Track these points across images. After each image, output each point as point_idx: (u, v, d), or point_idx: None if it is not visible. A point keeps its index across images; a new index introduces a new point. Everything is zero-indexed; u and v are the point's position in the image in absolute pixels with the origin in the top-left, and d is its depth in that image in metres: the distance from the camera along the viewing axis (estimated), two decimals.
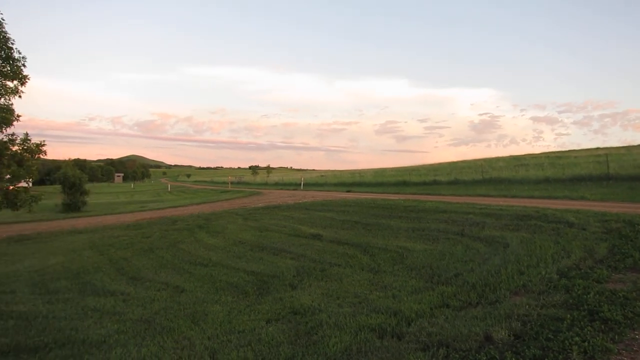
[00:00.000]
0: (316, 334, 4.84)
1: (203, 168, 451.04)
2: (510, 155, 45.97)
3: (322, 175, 64.27)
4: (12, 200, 12.44)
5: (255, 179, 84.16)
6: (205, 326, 5.73)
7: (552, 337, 3.88)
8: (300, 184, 46.44)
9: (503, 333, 4.08)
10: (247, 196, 35.10)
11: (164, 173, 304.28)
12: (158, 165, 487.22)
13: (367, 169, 71.41)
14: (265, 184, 61.50)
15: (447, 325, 4.54)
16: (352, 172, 63.35)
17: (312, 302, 6.20)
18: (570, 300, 4.82)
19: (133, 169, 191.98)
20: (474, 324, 4.43)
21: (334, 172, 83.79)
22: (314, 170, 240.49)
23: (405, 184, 33.01)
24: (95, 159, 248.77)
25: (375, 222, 12.88)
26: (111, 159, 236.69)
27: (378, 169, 67.47)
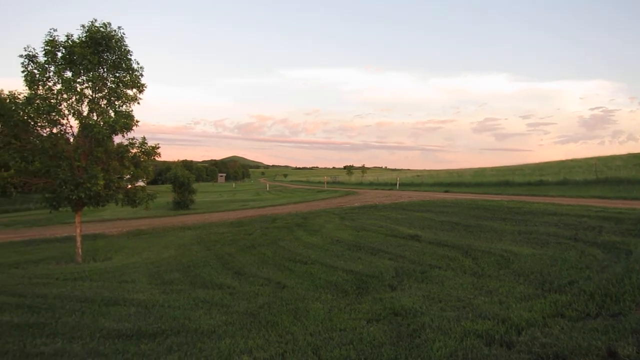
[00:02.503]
0: (419, 336, 4.73)
1: (299, 168, 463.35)
2: (629, 153, 41.56)
3: (418, 175, 63.05)
4: (131, 198, 13.69)
5: (350, 178, 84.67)
6: (307, 322, 5.86)
7: None
8: (395, 184, 45.94)
9: (630, 349, 3.69)
10: (342, 196, 35.41)
11: (263, 173, 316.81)
12: (257, 165, 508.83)
13: (466, 169, 68.79)
14: (360, 184, 61.60)
15: (562, 336, 4.22)
16: (450, 172, 61.41)
17: (413, 304, 6.09)
18: None
19: (234, 169, 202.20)
20: (595, 337, 4.06)
21: (430, 172, 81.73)
22: (409, 170, 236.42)
23: (507, 184, 31.28)
24: (200, 160, 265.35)
25: (476, 224, 12.36)
26: (214, 160, 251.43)
27: (477, 168, 64.74)
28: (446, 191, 31.26)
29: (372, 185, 56.26)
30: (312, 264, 9.90)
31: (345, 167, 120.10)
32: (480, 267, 8.19)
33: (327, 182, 74.19)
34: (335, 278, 8.46)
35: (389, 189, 41.18)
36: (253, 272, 9.72)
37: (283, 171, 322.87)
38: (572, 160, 45.31)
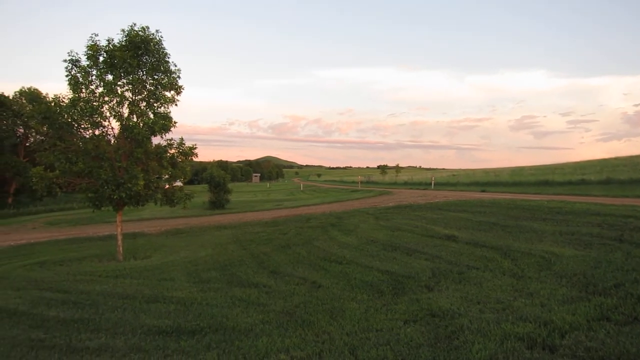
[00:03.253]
0: (457, 338, 4.66)
1: (332, 168, 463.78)
2: None
3: (454, 175, 62.05)
4: (170, 198, 14.01)
5: (384, 178, 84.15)
6: (343, 322, 5.85)
7: None
8: (430, 184, 45.38)
9: None
10: (376, 195, 35.22)
11: (296, 173, 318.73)
12: (291, 165, 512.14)
13: (503, 168, 67.28)
14: (394, 184, 61.10)
15: (609, 340, 4.07)
16: (486, 171, 60.19)
17: (451, 305, 5.99)
18: None
19: (268, 169, 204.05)
20: None
21: (465, 171, 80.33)
22: (443, 169, 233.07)
23: (547, 183, 30.39)
24: (235, 160, 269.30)
25: (515, 224, 12.06)
26: (249, 160, 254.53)
27: (515, 167, 63.21)
28: (483, 191, 30.65)
29: (406, 184, 55.73)
30: (347, 264, 9.88)
31: (378, 167, 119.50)
32: (519, 268, 7.99)
33: (361, 182, 73.94)
34: (370, 278, 8.42)
35: (424, 189, 40.69)
36: (288, 272, 9.78)
37: (316, 171, 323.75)
38: (615, 159, 43.66)
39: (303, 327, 5.78)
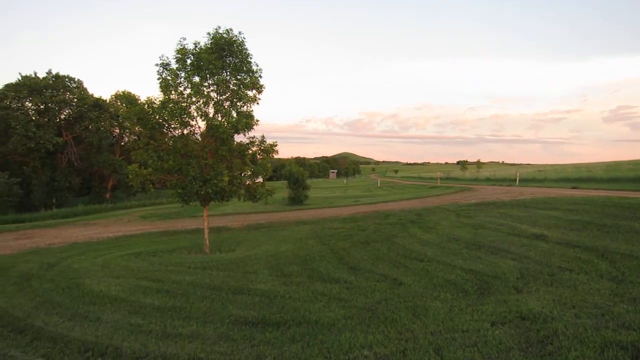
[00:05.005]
0: (551, 344, 4.41)
1: (410, 164, 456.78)
2: None
3: (540, 170, 58.66)
4: (252, 194, 14.47)
5: (464, 174, 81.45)
6: (426, 321, 5.75)
7: None
8: (515, 180, 43.23)
9: None
10: (457, 192, 34.16)
11: (373, 169, 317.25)
12: (367, 161, 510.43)
13: (596, 163, 62.50)
14: (475, 180, 58.88)
15: None
16: (577, 167, 56.26)
17: (543, 308, 5.68)
18: None
19: (345, 166, 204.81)
20: None
21: (553, 167, 75.56)
22: (529, 164, 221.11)
23: None
24: (312, 156, 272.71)
25: (612, 224, 11.18)
26: (326, 157, 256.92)
27: (610, 162, 58.48)
28: (574, 187, 28.71)
29: (488, 181, 53.48)
30: (428, 262, 9.68)
31: (458, 163, 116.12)
32: (619, 271, 7.40)
33: (440, 178, 72.08)
34: (454, 277, 8.19)
35: (508, 185, 38.83)
36: (368, 268, 9.76)
37: (393, 167, 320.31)
38: None
39: (385, 324, 5.75)
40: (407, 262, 9.98)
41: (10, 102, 39.51)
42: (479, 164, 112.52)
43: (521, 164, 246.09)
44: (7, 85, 40.01)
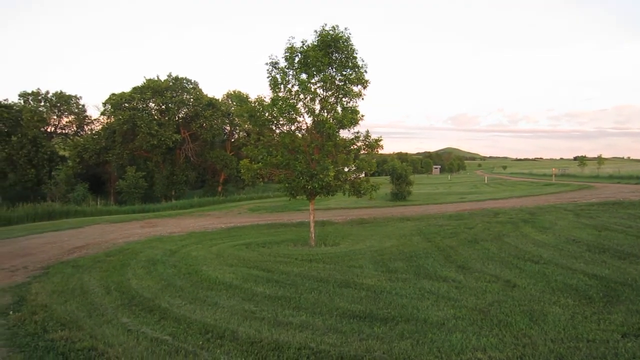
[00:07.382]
0: None
1: (519, 159, 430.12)
2: None
3: None
4: (356, 189, 14.55)
5: (583, 171, 74.97)
6: (545, 327, 5.39)
7: None
8: None
9: None
10: (575, 190, 31.58)
11: (479, 165, 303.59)
12: (472, 157, 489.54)
13: None
14: (596, 177, 53.87)
15: None
16: None
17: None
18: None
19: (449, 161, 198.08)
20: None
21: None
22: None
23: None
24: (414, 152, 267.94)
25: None
26: (428, 152, 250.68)
27: None
28: None
29: (611, 178, 48.67)
30: (544, 264, 9.07)
31: (575, 158, 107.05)
32: None
33: (555, 175, 66.97)
34: (575, 282, 7.59)
35: (636, 184, 35.05)
36: (478, 268, 9.37)
37: (501, 163, 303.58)
38: None
39: (499, 327, 5.50)
40: (520, 263, 9.44)
41: (137, 104, 43.70)
42: (600, 160, 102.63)
43: None
44: (134, 89, 44.25)
